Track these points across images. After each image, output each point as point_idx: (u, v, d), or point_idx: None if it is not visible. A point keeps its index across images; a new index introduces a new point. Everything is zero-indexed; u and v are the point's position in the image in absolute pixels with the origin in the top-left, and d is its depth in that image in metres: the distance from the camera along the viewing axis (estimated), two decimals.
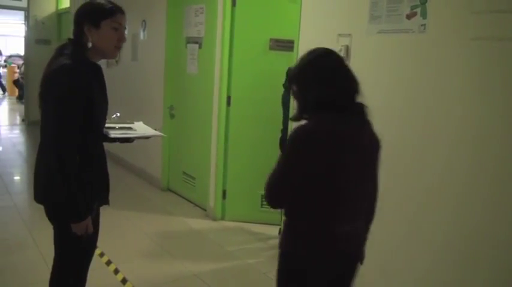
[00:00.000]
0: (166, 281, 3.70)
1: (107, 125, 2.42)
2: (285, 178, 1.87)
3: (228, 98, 4.88)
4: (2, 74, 20.73)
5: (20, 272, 3.67)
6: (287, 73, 2.00)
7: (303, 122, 1.91)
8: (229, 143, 4.97)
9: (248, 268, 3.99)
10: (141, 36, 6.50)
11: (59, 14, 10.54)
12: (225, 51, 4.80)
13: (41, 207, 2.27)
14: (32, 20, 10.45)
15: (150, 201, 5.71)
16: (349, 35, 3.35)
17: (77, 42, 2.18)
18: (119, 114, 2.71)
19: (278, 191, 1.91)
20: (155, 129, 2.72)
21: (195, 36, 5.40)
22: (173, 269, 3.90)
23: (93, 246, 2.46)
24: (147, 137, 2.65)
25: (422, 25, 2.88)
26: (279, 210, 2.00)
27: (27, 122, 10.48)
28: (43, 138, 2.20)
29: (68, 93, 2.04)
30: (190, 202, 5.65)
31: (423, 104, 2.93)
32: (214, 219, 5.06)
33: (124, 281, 3.62)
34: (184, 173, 5.81)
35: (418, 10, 2.90)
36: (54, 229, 2.30)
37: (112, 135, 2.43)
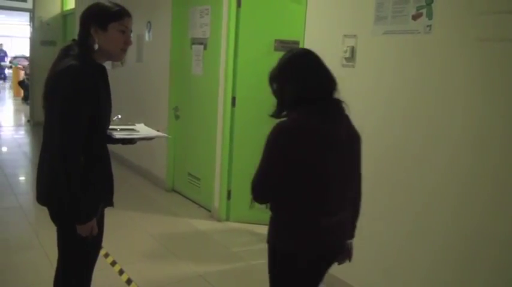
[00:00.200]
0: (171, 282, 3.70)
1: (109, 126, 2.42)
2: (267, 173, 1.98)
3: (233, 99, 4.88)
4: (7, 75, 20.85)
5: (25, 273, 3.68)
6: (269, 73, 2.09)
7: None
8: (234, 144, 4.97)
9: (253, 269, 3.99)
10: (146, 38, 6.50)
11: (64, 16, 10.57)
12: (230, 52, 4.80)
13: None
14: (37, 21, 10.48)
15: (155, 202, 5.71)
16: (355, 36, 3.34)
17: (83, 44, 2.17)
18: (120, 116, 2.70)
19: (261, 187, 2.01)
20: (158, 131, 2.72)
21: (200, 37, 5.40)
22: (178, 270, 3.90)
23: (98, 247, 2.45)
24: (150, 138, 2.65)
25: (428, 26, 2.87)
26: (265, 205, 2.08)
27: (33, 123, 10.51)
28: (46, 139, 2.20)
29: (74, 94, 2.04)
30: (195, 202, 5.65)
31: (427, 104, 2.92)
32: (219, 220, 5.06)
33: (129, 281, 3.62)
34: (189, 174, 5.81)
35: (424, 11, 2.89)
36: (58, 230, 2.29)
37: (117, 136, 2.43)
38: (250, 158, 4.89)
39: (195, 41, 5.49)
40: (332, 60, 3.47)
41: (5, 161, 7.36)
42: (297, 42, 4.04)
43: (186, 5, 5.64)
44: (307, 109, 1.97)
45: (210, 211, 5.28)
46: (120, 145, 2.58)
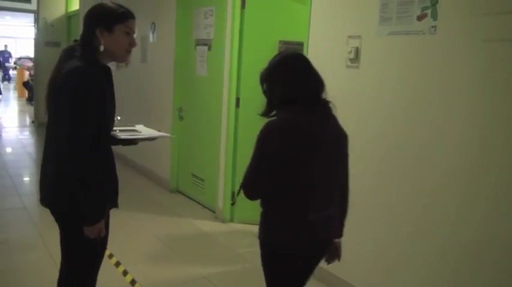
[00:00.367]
0: (175, 283, 3.69)
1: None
2: (257, 171, 2.05)
3: (237, 99, 4.88)
4: (11, 76, 20.94)
5: (29, 273, 3.68)
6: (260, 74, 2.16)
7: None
8: (238, 144, 4.97)
9: (257, 271, 3.93)
10: (151, 39, 6.51)
11: (69, 17, 10.60)
12: (234, 53, 4.80)
13: None
14: (42, 22, 10.52)
15: (159, 202, 5.72)
16: (359, 36, 3.34)
17: (87, 45, 2.17)
18: (119, 117, 2.71)
19: (252, 184, 2.08)
20: (159, 131, 2.72)
21: (204, 39, 5.40)
22: (182, 271, 3.89)
23: (104, 249, 2.44)
24: (153, 139, 2.66)
25: (432, 27, 2.86)
26: (255, 201, 2.16)
27: (37, 124, 10.54)
28: (50, 140, 2.20)
29: (83, 94, 2.04)
30: (199, 203, 5.65)
31: (431, 105, 2.91)
32: (223, 221, 5.05)
33: (133, 282, 3.62)
34: (193, 174, 5.81)
35: (429, 11, 2.88)
36: (62, 232, 2.29)
37: (122, 137, 2.44)
38: None
39: (200, 42, 5.50)
40: (336, 61, 3.50)
41: (10, 162, 7.39)
42: (302, 43, 4.03)
43: (190, 6, 5.65)
44: (295, 109, 2.05)
45: (214, 212, 5.28)
46: (120, 146, 2.58)
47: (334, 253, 2.27)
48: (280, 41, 4.63)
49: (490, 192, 2.64)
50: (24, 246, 4.21)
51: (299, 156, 2.02)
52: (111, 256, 3.97)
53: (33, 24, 11.18)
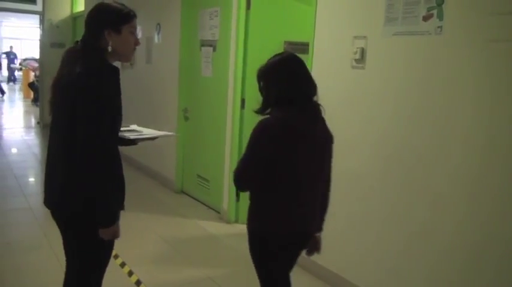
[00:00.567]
0: (180, 284, 3.70)
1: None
2: (248, 166, 2.18)
3: (242, 100, 4.88)
4: (17, 77, 21.03)
5: (34, 274, 3.70)
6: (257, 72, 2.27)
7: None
8: (243, 145, 4.94)
9: None
10: (156, 40, 6.52)
11: (74, 18, 10.63)
12: (240, 54, 4.80)
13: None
14: (47, 23, 10.55)
15: (164, 203, 5.72)
16: (365, 37, 3.33)
17: (95, 46, 2.15)
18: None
19: (243, 177, 2.21)
20: (158, 131, 2.74)
21: (209, 39, 5.41)
22: (187, 272, 3.89)
23: (111, 249, 2.40)
24: (154, 138, 2.67)
25: (438, 27, 2.85)
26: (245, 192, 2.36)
27: (42, 125, 10.57)
28: (58, 142, 2.19)
29: (100, 95, 2.04)
30: (204, 204, 5.65)
31: (436, 105, 2.90)
32: (228, 222, 5.05)
33: (138, 283, 3.62)
34: (198, 175, 5.81)
35: (435, 12, 2.87)
36: (71, 233, 2.26)
37: (132, 137, 2.46)
38: None
39: (205, 43, 5.50)
40: (342, 62, 3.49)
41: (15, 163, 7.40)
42: (307, 44, 4.02)
43: (195, 7, 5.65)
44: (288, 109, 2.17)
45: (219, 213, 5.27)
46: (127, 146, 2.58)
47: (314, 246, 2.44)
48: (285, 42, 4.63)
49: (494, 192, 2.64)
50: (29, 247, 4.22)
51: (288, 155, 2.14)
52: (116, 256, 3.98)
53: (38, 26, 11.19)
